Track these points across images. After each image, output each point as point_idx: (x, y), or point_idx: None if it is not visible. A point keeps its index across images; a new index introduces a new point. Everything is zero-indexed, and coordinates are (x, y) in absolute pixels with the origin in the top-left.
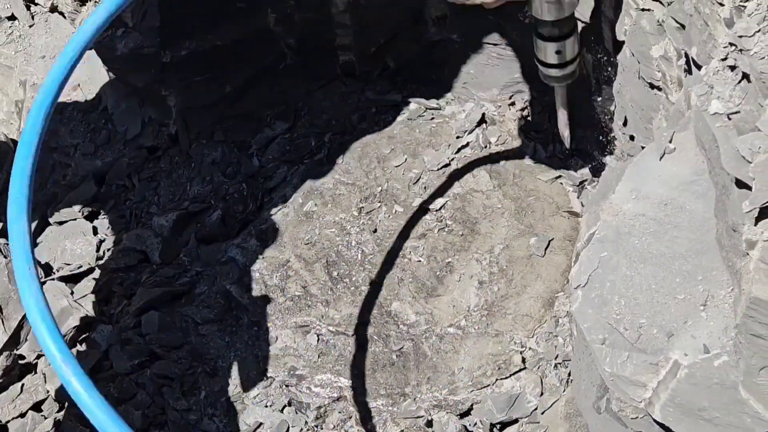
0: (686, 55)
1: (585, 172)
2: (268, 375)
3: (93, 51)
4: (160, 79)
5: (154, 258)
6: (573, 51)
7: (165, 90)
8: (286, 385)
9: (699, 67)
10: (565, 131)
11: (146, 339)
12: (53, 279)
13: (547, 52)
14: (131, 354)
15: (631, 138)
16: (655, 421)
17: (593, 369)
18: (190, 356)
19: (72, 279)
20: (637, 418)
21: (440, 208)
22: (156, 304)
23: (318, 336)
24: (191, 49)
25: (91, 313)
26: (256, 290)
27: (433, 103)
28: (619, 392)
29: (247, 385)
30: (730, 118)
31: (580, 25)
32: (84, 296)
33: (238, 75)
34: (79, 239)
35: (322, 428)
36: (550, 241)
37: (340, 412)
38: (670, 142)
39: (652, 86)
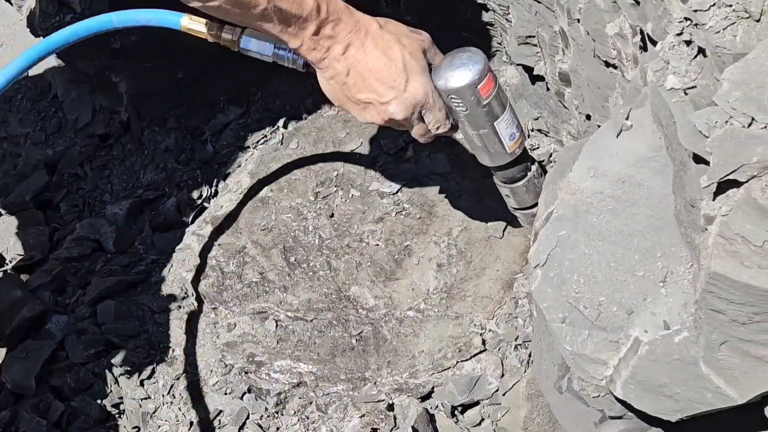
0: (641, 32)
1: (544, 151)
2: (227, 362)
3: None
4: (111, 66)
5: (108, 247)
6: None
7: (116, 77)
8: (245, 372)
9: (654, 43)
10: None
11: (102, 328)
12: (6, 270)
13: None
14: (87, 344)
15: (588, 117)
16: (616, 398)
17: (553, 349)
18: (147, 345)
19: (25, 269)
20: (598, 396)
21: (397, 192)
22: (111, 294)
23: (276, 322)
24: (141, 34)
25: (46, 303)
26: (212, 277)
27: None
28: (579, 371)
29: (205, 373)
30: (686, 93)
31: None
32: (38, 287)
33: (190, 60)
34: (31, 229)
35: (282, 414)
36: (508, 223)
37: (300, 398)
38: (627, 119)
39: (607, 64)
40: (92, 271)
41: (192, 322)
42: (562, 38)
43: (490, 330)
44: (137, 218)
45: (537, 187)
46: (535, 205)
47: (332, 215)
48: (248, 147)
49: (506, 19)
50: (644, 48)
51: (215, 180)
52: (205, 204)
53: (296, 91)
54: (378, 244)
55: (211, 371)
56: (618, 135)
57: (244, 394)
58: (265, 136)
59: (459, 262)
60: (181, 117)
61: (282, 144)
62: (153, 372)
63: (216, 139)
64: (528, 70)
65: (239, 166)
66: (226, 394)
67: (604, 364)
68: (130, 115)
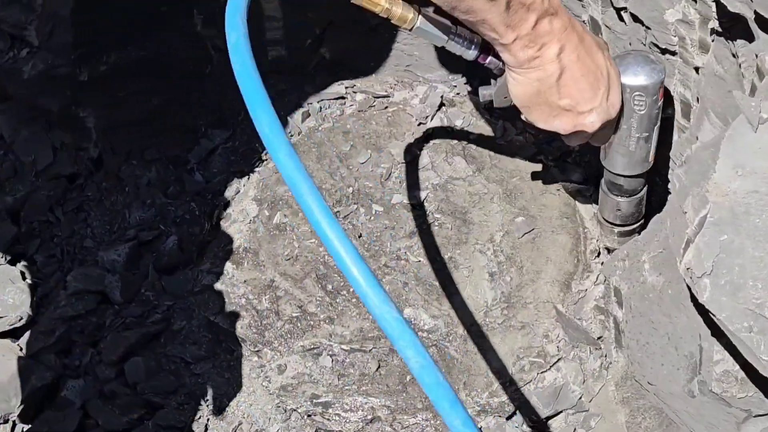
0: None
1: (560, 145)
2: (287, 407)
3: None
4: (77, 100)
5: (116, 298)
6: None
7: (83, 111)
8: (309, 416)
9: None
10: None
11: (136, 389)
12: None
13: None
14: (123, 408)
15: None
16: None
17: (671, 352)
18: (191, 400)
19: (10, 334)
20: (745, 396)
21: (423, 202)
22: (135, 349)
23: (331, 357)
24: (111, 63)
25: (54, 369)
26: (247, 317)
27: (380, 91)
28: None
29: (263, 422)
30: None
31: None
32: (39, 351)
33: (164, 86)
34: (8, 288)
35: None
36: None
37: None
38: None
39: (664, 51)
40: (101, 326)
41: (235, 369)
42: (591, 27)
43: (559, 336)
44: (138, 262)
45: (644, 202)
46: (638, 221)
47: (360, 235)
48: (243, 171)
49: None
50: (728, 35)
51: (215, 211)
52: (208, 238)
53: (282, 106)
54: (419, 261)
55: (270, 419)
56: (756, 130)
57: None
58: (260, 157)
59: (510, 268)
60: (160, 147)
61: None
62: (206, 429)
63: (204, 166)
64: None
65: (238, 192)
66: None
67: None
68: (102, 150)
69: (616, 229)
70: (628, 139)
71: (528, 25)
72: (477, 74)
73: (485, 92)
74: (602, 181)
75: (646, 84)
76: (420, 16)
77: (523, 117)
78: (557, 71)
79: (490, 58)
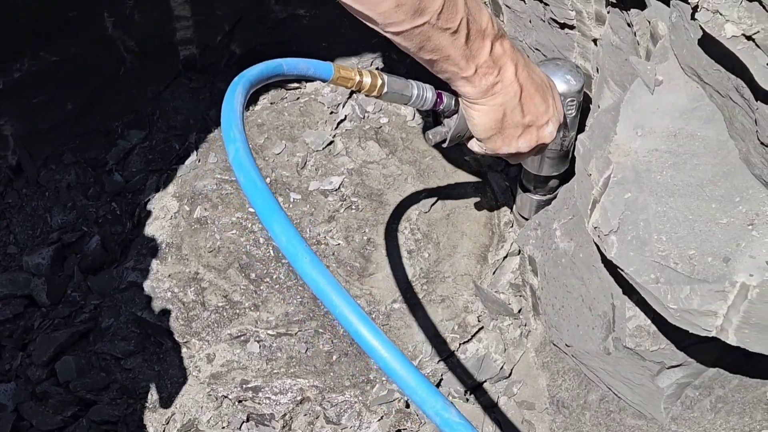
0: None
1: None
2: (218, 395)
3: None
4: None
5: (43, 300)
6: None
7: (0, 119)
8: (240, 401)
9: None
10: None
11: (68, 388)
12: None
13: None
14: (56, 407)
15: None
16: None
17: (585, 313)
18: (123, 394)
19: None
20: (657, 349)
21: (339, 187)
22: (65, 349)
23: (259, 343)
24: (24, 70)
25: None
26: (174, 310)
27: (291, 83)
28: (688, 326)
29: (196, 411)
30: (750, 39)
31: None
32: None
33: (78, 90)
34: None
35: None
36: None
37: (305, 415)
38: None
39: (563, 26)
40: (30, 329)
41: (164, 361)
42: (493, 7)
43: (478, 308)
44: (62, 264)
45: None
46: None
47: None
48: (161, 169)
49: None
50: (623, 5)
51: (136, 209)
52: (130, 236)
53: (196, 104)
54: (339, 243)
55: (201, 408)
56: (652, 92)
57: (243, 423)
58: (178, 154)
59: (427, 245)
60: (78, 150)
61: (199, 160)
62: (140, 422)
63: (122, 167)
64: None
65: (158, 190)
66: (223, 428)
67: (714, 315)
68: (21, 157)
69: (524, 221)
70: (561, 142)
71: (485, 52)
72: (385, 60)
73: (435, 135)
74: (522, 184)
75: (578, 88)
76: (386, 81)
77: (476, 147)
78: (518, 90)
79: (444, 100)
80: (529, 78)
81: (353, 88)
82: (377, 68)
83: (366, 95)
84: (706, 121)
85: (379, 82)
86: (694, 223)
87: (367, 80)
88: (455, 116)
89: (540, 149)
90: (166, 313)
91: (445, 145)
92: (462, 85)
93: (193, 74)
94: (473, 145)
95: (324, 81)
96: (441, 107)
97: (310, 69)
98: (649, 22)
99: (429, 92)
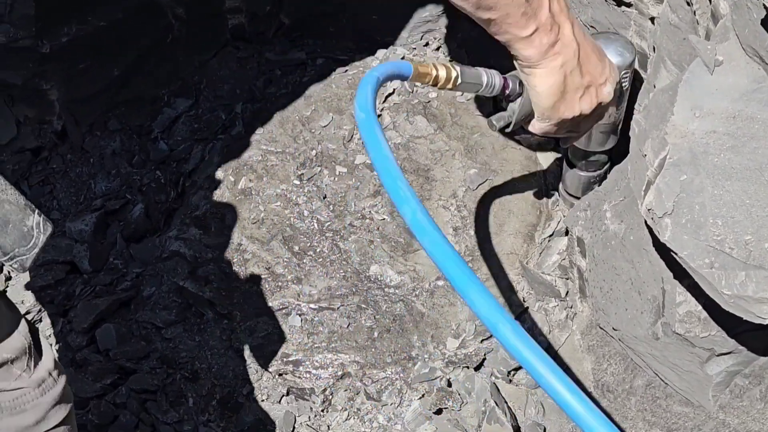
0: None
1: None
2: (258, 367)
3: None
4: (40, 73)
5: (85, 267)
6: None
7: (46, 83)
8: (280, 374)
9: None
10: None
11: (108, 355)
12: None
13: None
14: (96, 375)
15: None
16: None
17: (634, 297)
18: (163, 364)
19: None
20: (707, 336)
21: None
22: (105, 316)
23: (300, 316)
24: (72, 35)
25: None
26: (216, 280)
27: (340, 55)
28: (743, 313)
29: (236, 383)
30: None
31: None
32: None
33: (124, 56)
34: None
35: (329, 411)
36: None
37: (345, 390)
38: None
39: (620, 3)
40: (70, 296)
41: (205, 332)
42: None
43: (524, 288)
44: (105, 231)
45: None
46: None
47: (325, 196)
48: (207, 138)
49: None
50: None
51: (180, 178)
52: (174, 205)
53: (243, 74)
54: (384, 219)
55: (242, 380)
56: (712, 72)
57: (282, 397)
58: (224, 124)
59: (474, 222)
60: (123, 117)
61: (245, 131)
62: (180, 392)
63: (167, 135)
64: None
65: (203, 159)
66: (263, 401)
67: None
68: (66, 122)
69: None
70: (614, 115)
71: (545, 11)
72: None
73: (499, 120)
74: (569, 161)
75: (631, 60)
76: (460, 72)
77: (537, 127)
78: (576, 49)
79: (510, 84)
80: (585, 37)
81: (430, 83)
82: (427, 43)
83: (440, 89)
84: (767, 104)
85: (454, 74)
86: (751, 208)
87: (443, 74)
88: (519, 99)
89: (599, 114)
90: (208, 283)
91: (509, 130)
92: (522, 47)
93: (241, 43)
94: (534, 126)
95: (404, 80)
96: (507, 91)
97: (391, 70)
98: (710, 1)
99: (497, 78)
